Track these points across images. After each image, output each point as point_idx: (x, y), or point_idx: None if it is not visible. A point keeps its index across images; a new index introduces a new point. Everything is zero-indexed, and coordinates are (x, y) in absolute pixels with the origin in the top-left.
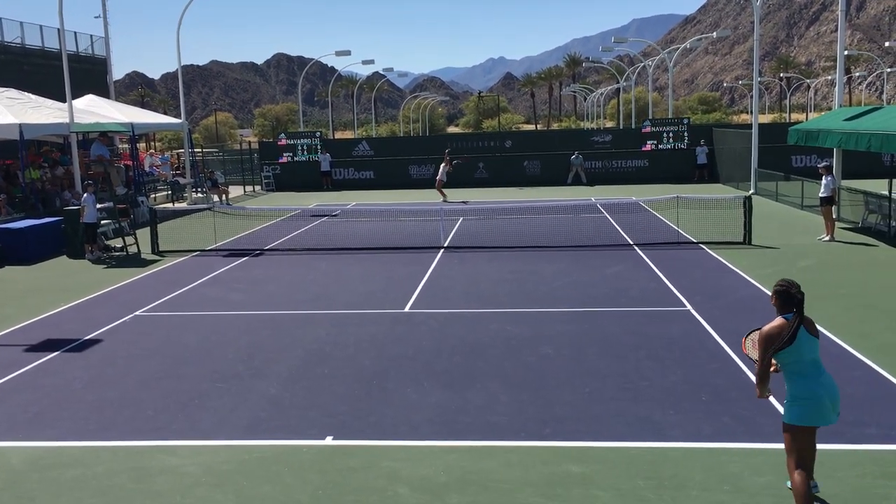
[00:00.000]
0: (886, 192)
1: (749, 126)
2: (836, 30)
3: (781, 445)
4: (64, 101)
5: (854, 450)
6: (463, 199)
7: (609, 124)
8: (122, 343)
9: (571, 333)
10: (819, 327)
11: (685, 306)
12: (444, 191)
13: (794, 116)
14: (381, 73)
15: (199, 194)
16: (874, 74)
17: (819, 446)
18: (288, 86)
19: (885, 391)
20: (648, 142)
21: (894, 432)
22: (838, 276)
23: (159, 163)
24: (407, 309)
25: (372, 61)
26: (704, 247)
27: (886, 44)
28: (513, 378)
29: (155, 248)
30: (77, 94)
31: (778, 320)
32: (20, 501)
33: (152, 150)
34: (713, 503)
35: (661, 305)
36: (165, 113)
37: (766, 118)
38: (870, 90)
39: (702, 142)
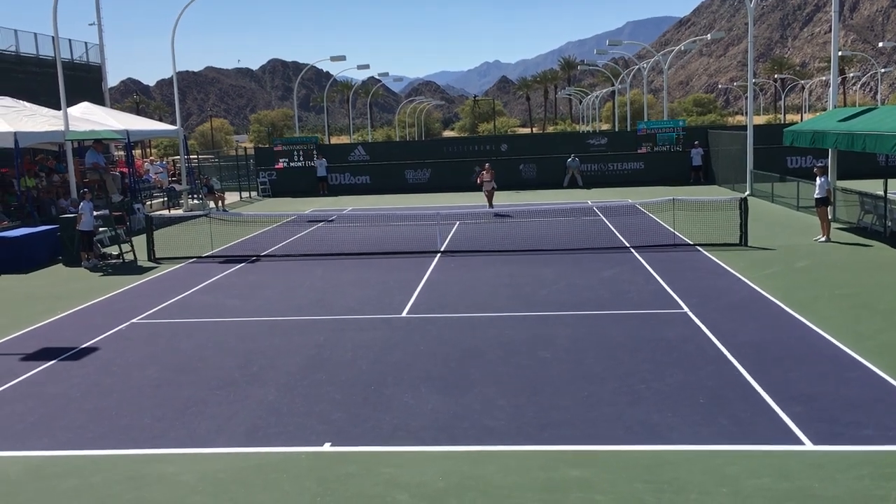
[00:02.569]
0: (882, 193)
1: (744, 127)
2: (830, 31)
3: (778, 447)
4: (59, 108)
5: (851, 451)
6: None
7: (604, 127)
8: (118, 351)
9: (569, 337)
10: (816, 328)
11: (682, 309)
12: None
13: (789, 117)
14: (377, 77)
15: (196, 201)
16: (868, 75)
17: (815, 448)
18: (283, 91)
19: (883, 392)
20: (644, 144)
21: (891, 433)
22: (834, 277)
23: (161, 169)
24: (404, 314)
25: (367, 66)
26: (701, 249)
27: (880, 44)
28: (510, 382)
29: (151, 256)
30: (72, 102)
31: None
32: None
33: (152, 157)
34: None
35: (659, 308)
36: (161, 119)
37: (760, 119)
38: (864, 91)
39: (697, 143)
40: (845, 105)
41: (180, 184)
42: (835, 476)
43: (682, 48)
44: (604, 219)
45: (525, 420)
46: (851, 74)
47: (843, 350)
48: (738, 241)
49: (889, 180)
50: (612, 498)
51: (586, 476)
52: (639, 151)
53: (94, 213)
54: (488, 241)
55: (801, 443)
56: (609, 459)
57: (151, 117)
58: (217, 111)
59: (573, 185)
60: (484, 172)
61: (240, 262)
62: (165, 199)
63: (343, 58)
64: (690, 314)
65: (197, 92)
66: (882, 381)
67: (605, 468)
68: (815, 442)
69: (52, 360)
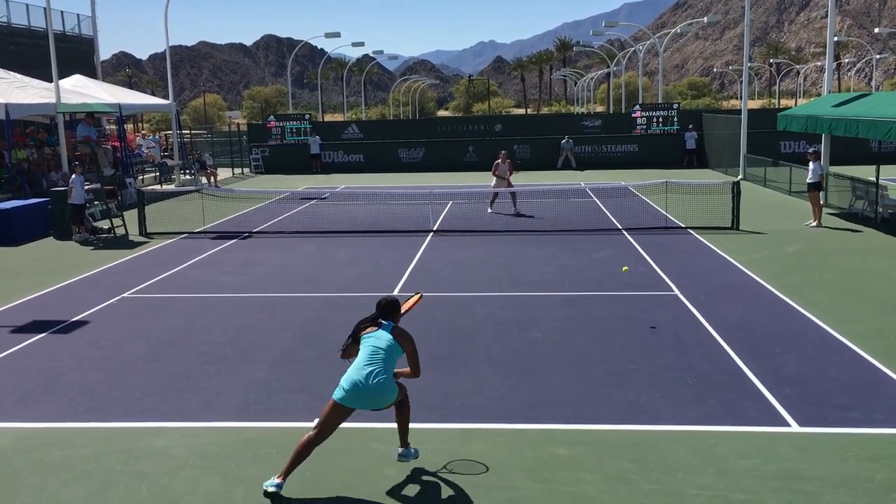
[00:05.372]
0: (874, 179)
1: (738, 111)
2: (826, 16)
3: (766, 429)
4: (50, 80)
5: (838, 433)
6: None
7: (599, 109)
8: (109, 325)
9: (560, 317)
10: (805, 312)
11: (673, 291)
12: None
13: (784, 102)
14: (371, 55)
15: (188, 176)
16: (863, 61)
17: (803, 430)
18: (277, 68)
19: (870, 376)
20: (638, 127)
21: (878, 416)
22: (825, 262)
23: (153, 143)
24: (396, 292)
25: (362, 44)
26: (693, 232)
27: (876, 30)
28: (501, 362)
29: (143, 230)
30: (64, 74)
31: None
32: (7, 482)
33: (144, 132)
34: (698, 486)
35: (649, 290)
36: (153, 94)
37: (755, 104)
38: (859, 76)
39: (690, 126)
40: (840, 91)
41: (172, 159)
42: (821, 458)
43: (679, 31)
44: (596, 200)
45: (515, 399)
46: (847, 60)
47: (832, 334)
48: (729, 225)
49: (881, 166)
50: (600, 477)
51: (575, 455)
52: (633, 134)
53: (86, 186)
54: (480, 222)
55: (788, 425)
56: (597, 439)
57: (144, 91)
58: (210, 87)
59: (567, 166)
60: (499, 162)
61: (232, 238)
62: (157, 174)
63: (338, 34)
64: (681, 296)
65: (190, 67)
66: (870, 365)
67: (593, 447)
68: (802, 424)
69: (41, 333)
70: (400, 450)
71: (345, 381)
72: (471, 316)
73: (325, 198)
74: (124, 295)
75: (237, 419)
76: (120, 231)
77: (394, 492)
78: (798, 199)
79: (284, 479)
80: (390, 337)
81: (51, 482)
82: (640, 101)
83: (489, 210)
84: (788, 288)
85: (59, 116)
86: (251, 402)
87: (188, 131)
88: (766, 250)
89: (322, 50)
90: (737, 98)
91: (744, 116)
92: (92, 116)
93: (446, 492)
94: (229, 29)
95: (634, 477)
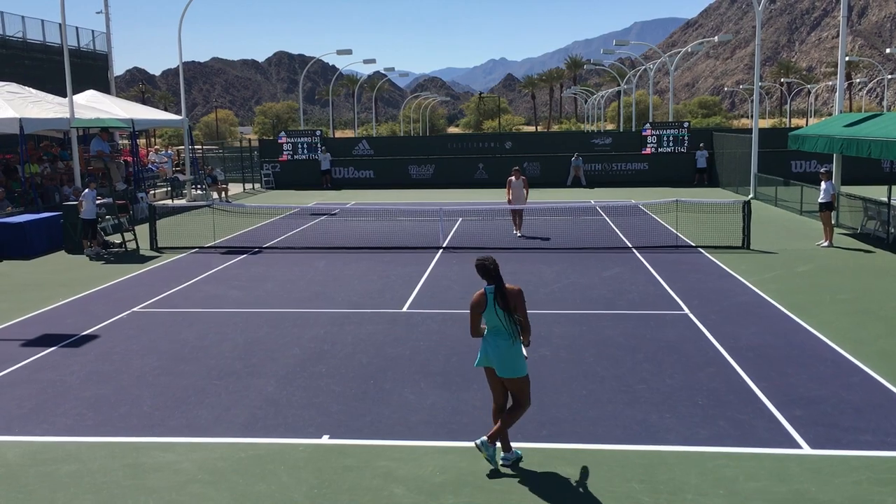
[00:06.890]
0: (885, 199)
1: (749, 131)
2: (838, 35)
3: (777, 450)
4: (64, 95)
5: (850, 456)
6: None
7: (609, 127)
8: (119, 339)
9: (569, 335)
10: (816, 333)
11: (683, 310)
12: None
13: (795, 122)
14: (383, 72)
15: (199, 191)
16: (875, 81)
17: (814, 452)
18: (289, 84)
19: (882, 397)
20: (648, 145)
21: (890, 439)
22: (836, 282)
23: (165, 158)
24: (405, 309)
25: (373, 61)
26: (703, 251)
27: (887, 50)
28: None
29: (154, 245)
30: (78, 90)
31: (480, 290)
32: (17, 496)
33: (156, 147)
34: None
35: (659, 309)
36: (166, 109)
37: (766, 123)
38: (870, 96)
39: (701, 145)
40: (851, 110)
41: (184, 174)
42: (832, 480)
43: (689, 50)
44: (606, 218)
45: (524, 417)
46: (858, 80)
47: (844, 355)
48: (740, 244)
49: (893, 186)
50: (609, 497)
51: (583, 474)
52: (643, 153)
53: (98, 201)
54: (491, 239)
55: (799, 446)
56: (606, 459)
57: (157, 107)
58: (222, 102)
59: (576, 184)
60: (512, 178)
61: (242, 253)
62: (169, 188)
63: (349, 52)
64: (691, 316)
65: (202, 82)
66: (882, 387)
67: (602, 467)
68: (813, 446)
69: (52, 346)
70: (502, 454)
71: None
72: None
73: (335, 214)
74: (135, 309)
75: (245, 434)
76: (131, 245)
77: None
78: (809, 218)
79: (494, 442)
80: (493, 302)
81: (59, 496)
82: (650, 120)
83: (515, 233)
84: (799, 308)
85: (72, 131)
86: (259, 417)
87: (200, 146)
88: (776, 270)
89: (334, 66)
90: (747, 117)
91: (755, 135)
92: (106, 131)
93: None
94: (242, 45)
95: (644, 498)
